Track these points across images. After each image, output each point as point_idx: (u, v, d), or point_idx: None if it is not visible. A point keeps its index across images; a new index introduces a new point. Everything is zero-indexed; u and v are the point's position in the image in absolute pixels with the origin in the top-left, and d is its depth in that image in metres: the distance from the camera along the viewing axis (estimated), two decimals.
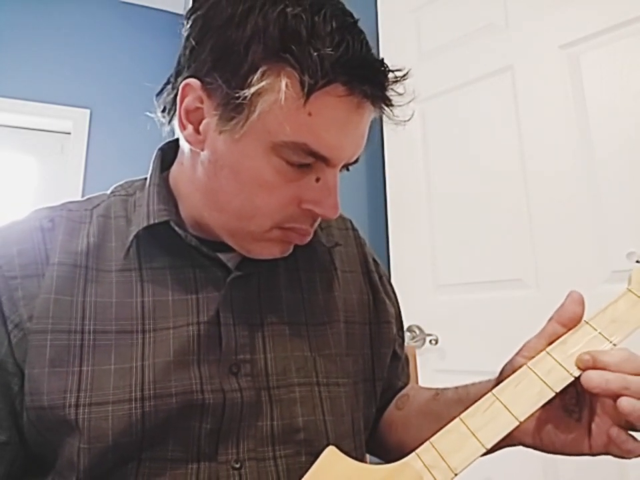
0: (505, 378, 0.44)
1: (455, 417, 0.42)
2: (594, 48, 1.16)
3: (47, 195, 2.51)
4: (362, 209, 1.66)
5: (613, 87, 1.12)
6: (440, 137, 1.42)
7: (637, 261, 0.47)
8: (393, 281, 0.73)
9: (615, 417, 0.41)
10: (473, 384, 0.56)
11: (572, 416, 0.45)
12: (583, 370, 0.41)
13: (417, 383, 0.91)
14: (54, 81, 2.54)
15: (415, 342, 1.32)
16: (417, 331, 1.34)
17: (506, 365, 0.48)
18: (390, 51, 1.50)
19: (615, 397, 0.39)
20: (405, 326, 0.78)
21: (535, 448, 0.47)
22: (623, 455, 0.41)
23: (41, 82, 2.51)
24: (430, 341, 1.33)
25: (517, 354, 0.47)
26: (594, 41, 1.16)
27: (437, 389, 0.62)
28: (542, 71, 1.23)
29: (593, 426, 0.43)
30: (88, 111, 2.57)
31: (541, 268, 1.18)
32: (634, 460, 0.42)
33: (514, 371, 0.44)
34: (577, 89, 1.17)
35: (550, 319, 0.46)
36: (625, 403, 0.38)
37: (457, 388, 0.58)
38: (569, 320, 0.45)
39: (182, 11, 2.85)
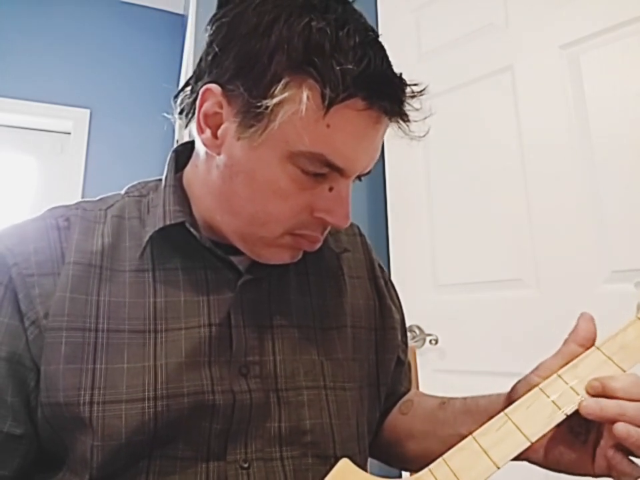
0: (518, 396, 0.45)
1: (467, 435, 0.42)
2: (594, 48, 1.15)
3: (46, 195, 2.51)
4: (362, 208, 1.65)
5: (613, 87, 1.12)
6: (440, 136, 1.41)
7: None
8: (392, 281, 0.73)
9: (619, 442, 0.41)
10: (483, 396, 0.57)
11: (578, 438, 0.46)
12: (593, 396, 0.42)
13: (417, 382, 0.91)
14: (54, 81, 2.54)
15: (415, 342, 1.32)
16: (417, 331, 1.34)
17: (520, 381, 0.49)
18: (390, 51, 1.50)
19: (612, 422, 0.40)
20: None
21: (540, 465, 0.48)
22: (619, 476, 0.42)
23: (41, 82, 2.51)
24: (430, 341, 1.33)
25: (531, 372, 0.48)
26: (594, 41, 1.16)
27: (443, 397, 0.63)
28: (542, 71, 1.23)
29: (598, 449, 0.44)
30: (88, 111, 2.57)
31: (541, 268, 1.18)
32: None
33: (529, 390, 0.45)
34: (577, 89, 1.17)
35: (566, 341, 0.47)
36: (619, 428, 0.39)
37: (465, 399, 0.59)
38: (584, 339, 0.46)
39: (182, 10, 2.85)
